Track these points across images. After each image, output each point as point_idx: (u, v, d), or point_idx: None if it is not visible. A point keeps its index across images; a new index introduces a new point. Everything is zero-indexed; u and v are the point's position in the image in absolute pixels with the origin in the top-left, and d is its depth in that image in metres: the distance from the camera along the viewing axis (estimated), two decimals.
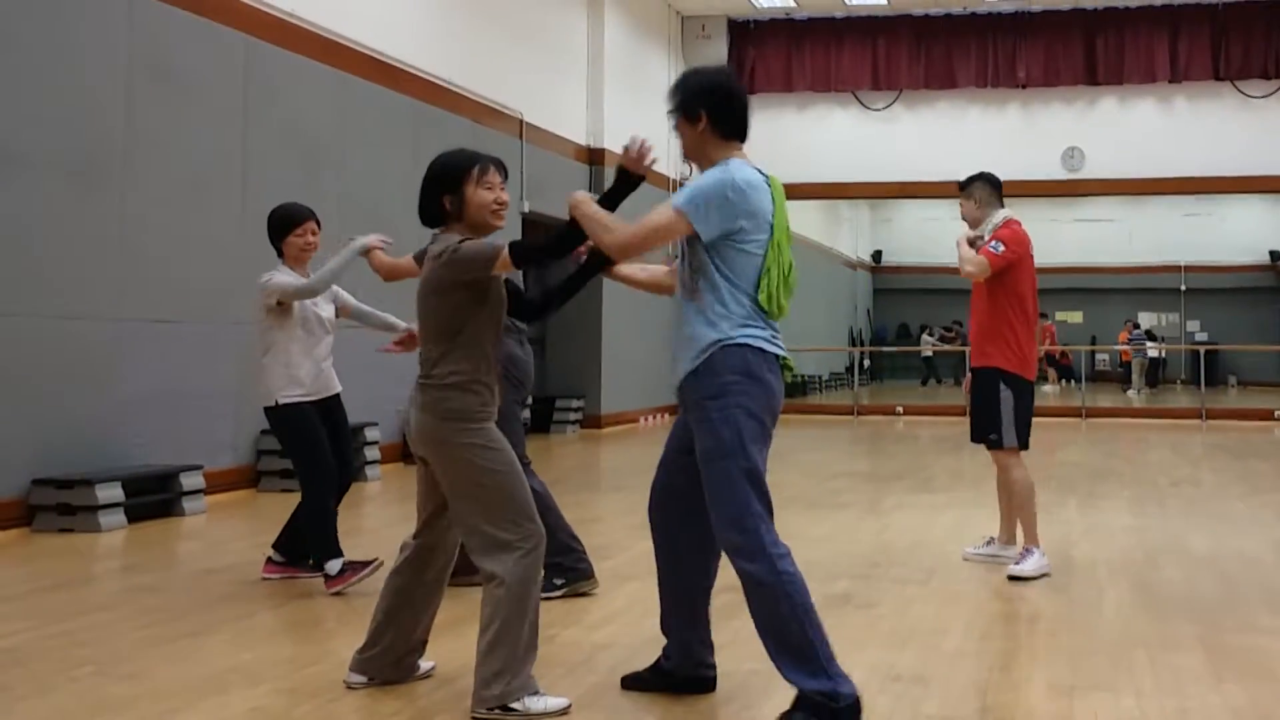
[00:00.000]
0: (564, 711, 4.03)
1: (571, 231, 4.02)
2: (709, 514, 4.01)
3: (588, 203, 3.98)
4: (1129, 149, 19.87)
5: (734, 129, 4.09)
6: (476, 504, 4.07)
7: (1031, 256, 6.76)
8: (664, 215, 3.93)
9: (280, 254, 6.36)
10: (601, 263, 4.21)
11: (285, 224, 6.36)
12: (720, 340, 3.92)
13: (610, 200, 4.03)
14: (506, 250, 3.99)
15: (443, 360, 4.12)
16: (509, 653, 3.98)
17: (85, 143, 8.59)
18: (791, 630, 3.83)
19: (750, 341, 3.93)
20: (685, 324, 4.01)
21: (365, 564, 6.10)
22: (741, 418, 3.89)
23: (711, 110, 4.04)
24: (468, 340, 4.12)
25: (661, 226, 3.94)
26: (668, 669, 4.31)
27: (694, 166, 4.16)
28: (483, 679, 3.99)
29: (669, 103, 4.12)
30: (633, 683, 4.36)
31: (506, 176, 4.29)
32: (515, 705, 3.96)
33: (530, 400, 6.17)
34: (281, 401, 6.15)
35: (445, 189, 4.18)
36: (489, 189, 4.19)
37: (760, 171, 4.05)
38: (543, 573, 4.11)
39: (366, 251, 5.63)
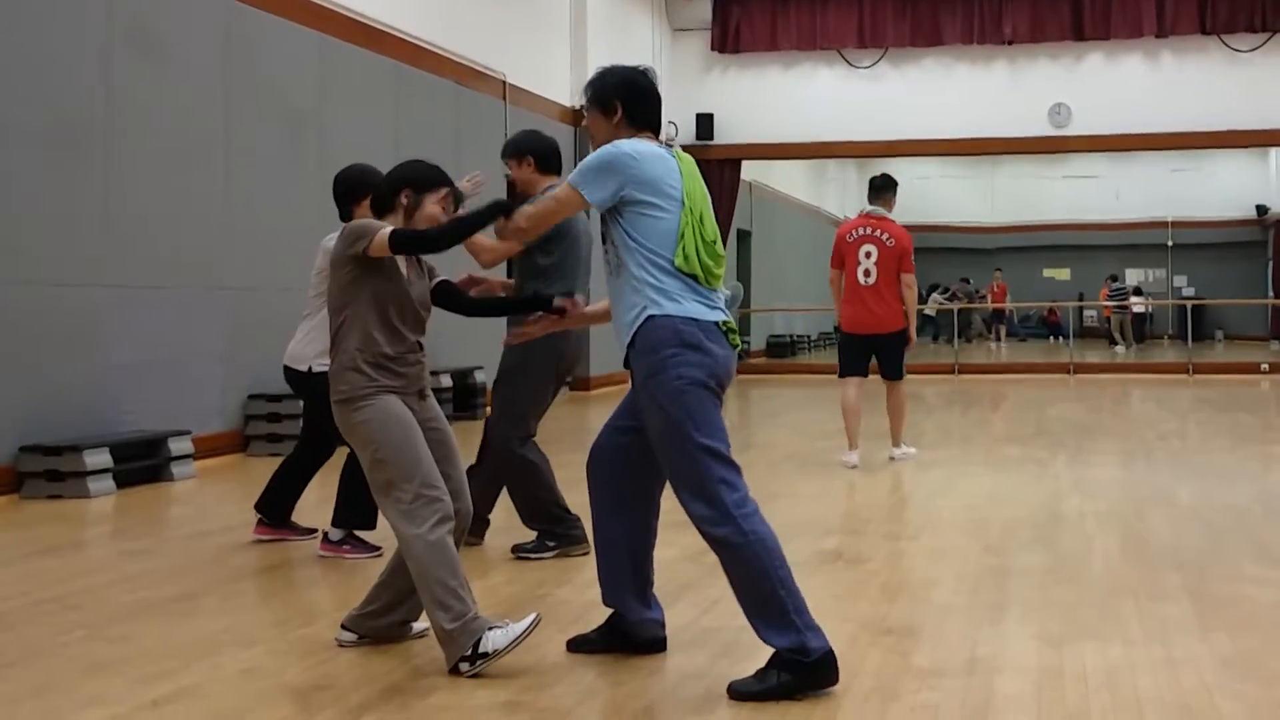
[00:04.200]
0: (534, 627, 4.08)
1: (456, 227, 4.25)
2: (658, 482, 4.16)
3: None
4: (1116, 105, 19.81)
5: (646, 123, 4.18)
6: (378, 475, 4.19)
7: (846, 241, 9.22)
8: (558, 191, 4.14)
9: (347, 218, 5.87)
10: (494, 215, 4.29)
11: (360, 189, 5.82)
12: (648, 311, 3.94)
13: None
14: (388, 233, 4.16)
15: (337, 339, 4.28)
16: (437, 612, 4.06)
17: (65, 108, 8.52)
18: (762, 588, 3.86)
19: (678, 312, 3.93)
20: (617, 301, 4.07)
21: (367, 549, 5.99)
22: (683, 388, 3.90)
23: (626, 103, 4.15)
24: (353, 318, 4.24)
25: (556, 200, 4.15)
26: (621, 629, 4.30)
27: None
28: (438, 640, 4.12)
29: (583, 98, 4.27)
30: (580, 645, 4.33)
31: (458, 209, 4.48)
32: (483, 648, 4.02)
33: (570, 378, 6.10)
34: (316, 370, 6.07)
35: (413, 187, 4.33)
36: (442, 209, 4.35)
37: (665, 146, 4.12)
38: (444, 534, 4.13)
39: None
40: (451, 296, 4.53)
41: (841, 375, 9.27)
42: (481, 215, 4.23)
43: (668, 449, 3.94)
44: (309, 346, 6.12)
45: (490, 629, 4.06)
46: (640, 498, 4.23)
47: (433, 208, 4.32)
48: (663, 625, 4.35)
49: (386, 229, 4.18)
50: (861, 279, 9.10)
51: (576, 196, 4.05)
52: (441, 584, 4.06)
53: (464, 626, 4.05)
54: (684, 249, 3.98)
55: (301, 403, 6.63)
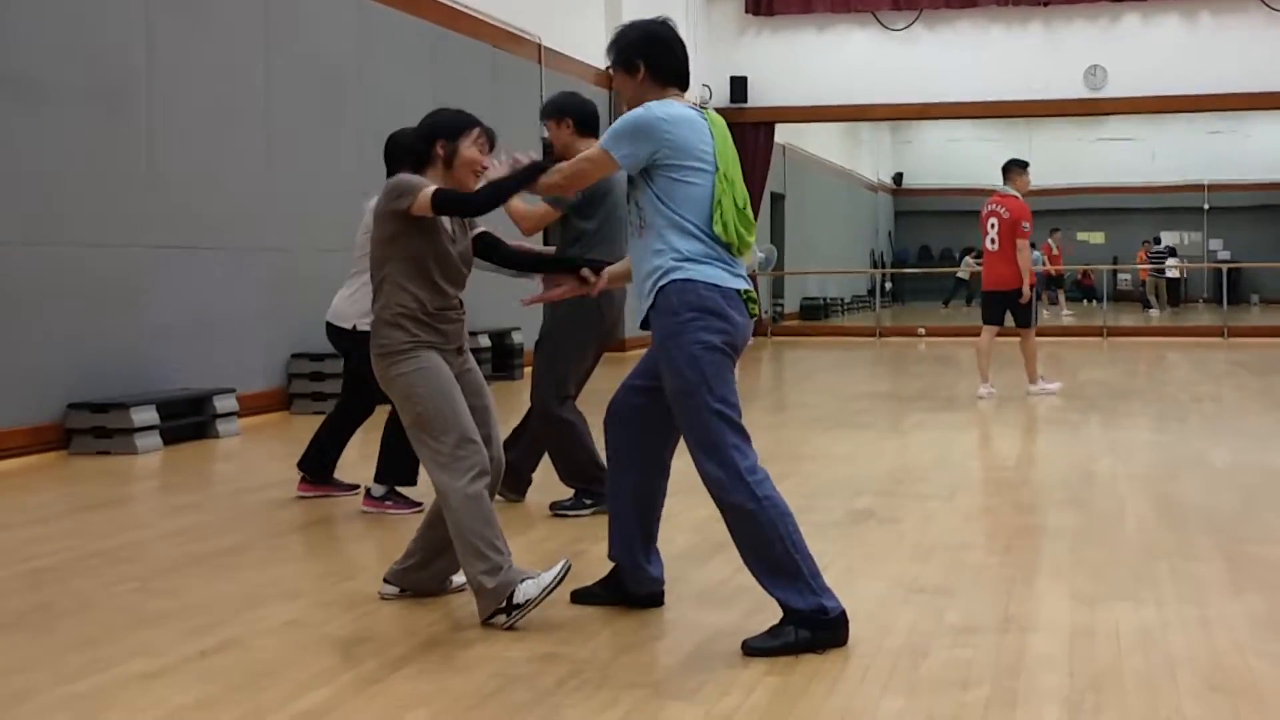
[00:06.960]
0: (565, 573, 4.17)
1: (496, 190, 4.24)
2: (670, 442, 4.21)
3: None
4: (1152, 66, 19.59)
5: (672, 76, 4.16)
6: (415, 427, 4.25)
7: (981, 215, 11.46)
8: (590, 152, 4.13)
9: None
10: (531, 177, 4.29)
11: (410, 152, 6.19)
12: (672, 274, 3.97)
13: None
14: (430, 192, 4.17)
15: (379, 293, 4.32)
16: (473, 563, 4.15)
17: (108, 72, 8.60)
18: (775, 552, 3.92)
19: (702, 278, 3.95)
20: (640, 261, 4.09)
21: (409, 505, 6.08)
22: (701, 352, 3.94)
23: (649, 59, 4.13)
24: (395, 273, 4.27)
25: (589, 160, 4.11)
26: (621, 583, 4.37)
27: None
28: (473, 592, 4.21)
29: (607, 58, 4.22)
30: (583, 597, 4.39)
31: (493, 149, 4.48)
32: (516, 600, 4.11)
33: (612, 339, 6.18)
34: (360, 329, 6.14)
35: (445, 135, 4.35)
36: (479, 150, 4.37)
37: (697, 109, 4.11)
38: (481, 488, 4.21)
39: None
40: (492, 247, 4.56)
41: (983, 323, 11.57)
42: (520, 177, 4.24)
43: (684, 410, 3.99)
44: (354, 305, 6.19)
45: (523, 580, 4.14)
46: (652, 456, 4.27)
47: (469, 151, 4.35)
48: (662, 582, 4.41)
49: (430, 188, 4.20)
50: (988, 245, 11.37)
51: (608, 159, 4.04)
52: (478, 535, 4.14)
53: (499, 578, 4.12)
54: (721, 217, 4.00)
55: (343, 361, 6.70)
